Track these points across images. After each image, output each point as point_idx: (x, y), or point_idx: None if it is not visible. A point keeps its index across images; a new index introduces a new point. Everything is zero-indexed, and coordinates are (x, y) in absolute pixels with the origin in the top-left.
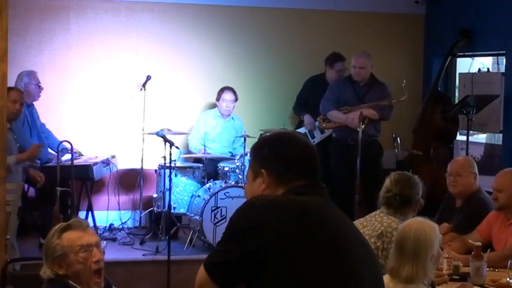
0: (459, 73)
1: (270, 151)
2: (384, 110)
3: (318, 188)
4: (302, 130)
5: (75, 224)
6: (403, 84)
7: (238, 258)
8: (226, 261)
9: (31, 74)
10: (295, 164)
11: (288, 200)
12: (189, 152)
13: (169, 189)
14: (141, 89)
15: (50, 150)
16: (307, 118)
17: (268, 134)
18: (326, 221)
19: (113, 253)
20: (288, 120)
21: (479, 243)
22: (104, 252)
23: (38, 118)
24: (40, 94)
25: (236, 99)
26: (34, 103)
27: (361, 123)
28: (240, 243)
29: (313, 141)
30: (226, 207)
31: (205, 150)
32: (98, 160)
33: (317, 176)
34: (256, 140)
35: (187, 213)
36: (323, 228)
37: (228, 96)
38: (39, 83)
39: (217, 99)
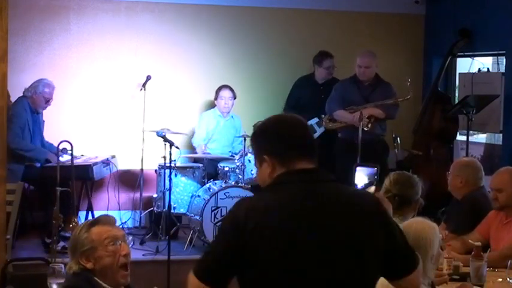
0: (459, 73)
1: (267, 135)
2: (389, 109)
3: (314, 174)
4: None
5: (103, 219)
6: (408, 83)
7: (224, 255)
8: (214, 259)
9: (47, 86)
10: (292, 141)
11: (271, 203)
12: (193, 152)
13: (169, 189)
14: (141, 89)
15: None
16: None
17: (261, 121)
18: (306, 223)
19: None
20: None
21: (479, 243)
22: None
23: (43, 121)
24: (45, 108)
25: (234, 97)
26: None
27: (366, 122)
28: (224, 242)
29: None
30: (226, 207)
31: (205, 147)
32: (98, 160)
33: (315, 155)
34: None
35: (187, 213)
36: (301, 232)
37: (225, 93)
38: (50, 99)
39: (216, 98)
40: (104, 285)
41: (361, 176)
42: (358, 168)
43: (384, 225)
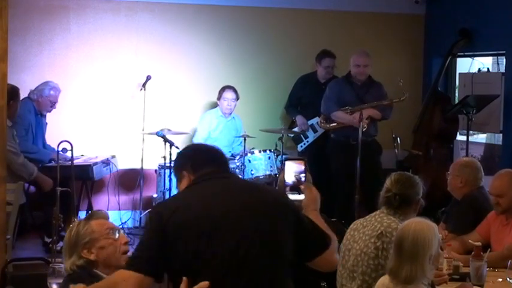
0: (459, 73)
1: (185, 156)
2: (385, 110)
3: (220, 173)
4: (295, 130)
5: (98, 213)
6: (400, 83)
7: (153, 244)
8: (146, 249)
9: (54, 90)
10: (201, 157)
11: (186, 195)
12: None
13: (169, 189)
14: (141, 89)
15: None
16: (299, 119)
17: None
18: (208, 208)
19: None
20: (287, 120)
21: (479, 243)
22: None
23: (46, 124)
24: (50, 111)
25: (237, 98)
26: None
27: (361, 123)
28: (151, 232)
29: (307, 142)
30: None
31: None
32: (98, 160)
33: (222, 164)
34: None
35: None
36: (202, 216)
37: (229, 95)
38: (56, 102)
39: (218, 98)
40: (105, 276)
41: (290, 172)
42: (287, 162)
43: (293, 214)
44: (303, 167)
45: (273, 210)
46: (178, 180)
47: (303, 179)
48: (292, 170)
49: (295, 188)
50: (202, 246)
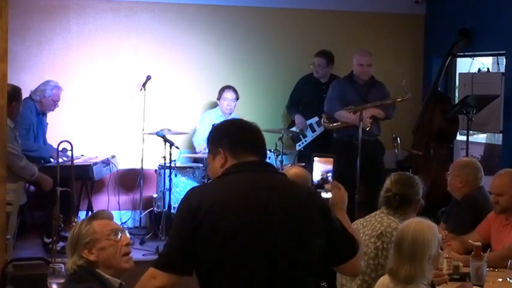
0: (459, 73)
1: (224, 132)
2: (388, 109)
3: (261, 166)
4: (294, 129)
5: (102, 214)
6: (403, 83)
7: (183, 243)
8: (176, 249)
9: (56, 89)
10: (243, 138)
11: (223, 189)
12: (194, 152)
13: (169, 189)
14: (141, 89)
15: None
16: (298, 118)
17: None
18: (244, 208)
19: None
20: (287, 120)
21: (479, 243)
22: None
23: (47, 124)
24: (53, 110)
25: (237, 98)
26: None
27: (368, 122)
28: (181, 230)
29: (305, 141)
30: None
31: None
32: (98, 160)
33: (260, 149)
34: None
35: None
36: (250, 214)
37: (229, 95)
38: (58, 100)
39: (218, 98)
40: (107, 276)
41: (318, 170)
42: (315, 159)
43: (323, 215)
44: (330, 166)
45: (305, 211)
46: (212, 155)
47: (330, 178)
48: (320, 168)
49: (321, 186)
50: (234, 247)
